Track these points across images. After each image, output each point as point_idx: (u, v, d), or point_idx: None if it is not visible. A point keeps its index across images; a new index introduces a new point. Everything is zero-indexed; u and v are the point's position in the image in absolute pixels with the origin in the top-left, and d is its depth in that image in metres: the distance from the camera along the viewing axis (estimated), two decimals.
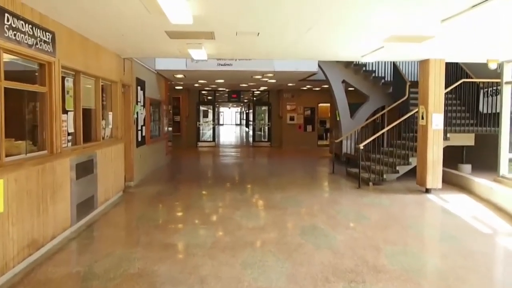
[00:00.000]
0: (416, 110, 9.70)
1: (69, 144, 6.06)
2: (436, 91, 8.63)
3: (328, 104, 22.66)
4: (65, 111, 5.90)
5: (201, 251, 4.97)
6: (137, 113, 9.71)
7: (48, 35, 5.06)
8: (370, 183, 9.64)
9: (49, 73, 5.18)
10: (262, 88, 19.79)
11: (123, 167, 8.53)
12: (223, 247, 5.13)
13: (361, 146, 9.58)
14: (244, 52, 8.06)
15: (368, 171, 9.87)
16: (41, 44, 4.86)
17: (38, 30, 4.80)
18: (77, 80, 6.28)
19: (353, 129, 13.26)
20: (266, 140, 21.86)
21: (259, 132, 22.95)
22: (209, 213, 7.01)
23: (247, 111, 42.23)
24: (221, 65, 12.22)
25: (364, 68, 13.02)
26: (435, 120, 8.62)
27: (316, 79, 14.92)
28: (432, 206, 7.82)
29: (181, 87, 19.00)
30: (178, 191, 8.91)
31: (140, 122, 10.20)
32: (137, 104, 9.80)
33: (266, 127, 22.01)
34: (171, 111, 15.80)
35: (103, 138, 7.64)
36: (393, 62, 12.84)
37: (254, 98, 22.41)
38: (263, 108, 22.62)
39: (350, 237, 5.57)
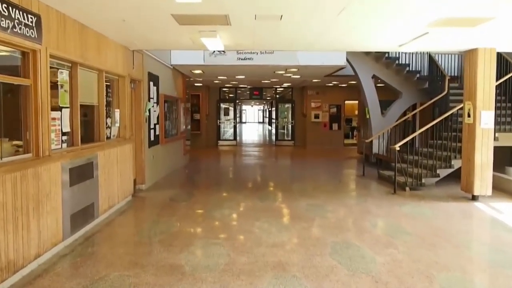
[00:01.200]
0: (460, 106, 8.61)
1: (64, 145, 5.29)
2: (485, 86, 7.52)
3: (355, 101, 21.58)
4: (57, 108, 5.13)
5: (211, 276, 4.10)
6: (149, 110, 8.93)
7: (32, 18, 4.27)
8: (407, 188, 8.59)
9: (33, 63, 4.40)
10: (285, 85, 18.85)
11: (132, 170, 7.75)
12: (238, 270, 4.25)
13: (397, 147, 8.53)
14: (265, 42, 7.14)
15: (404, 175, 8.82)
16: (20, 28, 4.07)
17: (17, 11, 4.01)
18: (74, 72, 5.50)
19: (384, 127, 12.21)
20: (289, 138, 20.90)
21: (282, 131, 22.01)
22: (225, 225, 6.14)
23: (269, 109, 41.39)
24: (241, 59, 11.33)
25: (397, 62, 11.91)
26: (485, 118, 7.52)
27: (342, 74, 13.85)
28: (483, 218, 6.76)
29: (200, 84, 18.25)
30: (192, 197, 8.08)
31: (153, 121, 9.42)
32: (149, 101, 9.02)
33: (290, 125, 21.04)
34: (189, 109, 15.03)
35: (108, 138, 6.88)
36: (430, 55, 11.70)
37: (277, 96, 21.47)
38: (286, 105, 21.67)
39: (392, 259, 4.59)
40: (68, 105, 5.39)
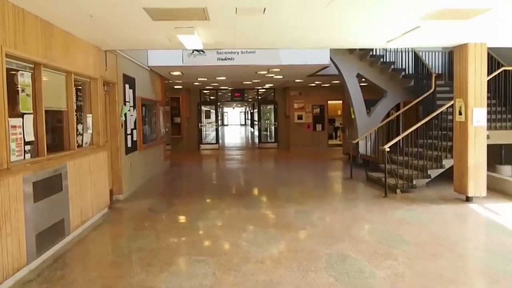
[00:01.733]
0: (450, 104, 8.33)
1: (28, 156, 4.75)
2: (477, 82, 7.24)
3: (339, 101, 21.36)
4: (18, 114, 4.59)
5: None
6: (125, 115, 8.39)
7: None
8: (398, 191, 8.26)
9: None
10: (267, 86, 18.45)
11: (107, 179, 7.21)
12: None
13: (387, 147, 8.18)
14: (247, 40, 6.69)
15: (394, 176, 8.48)
16: None
17: None
18: (37, 74, 4.96)
19: (370, 127, 11.90)
20: (272, 141, 20.50)
21: (265, 133, 21.60)
22: (209, 237, 5.66)
23: (251, 111, 40.96)
24: (222, 59, 10.88)
25: (381, 60, 11.62)
26: (477, 116, 7.24)
27: (326, 74, 13.54)
28: (481, 221, 6.45)
29: (180, 86, 17.69)
30: (173, 206, 7.58)
31: (130, 125, 8.88)
32: (125, 104, 8.48)
33: (273, 127, 20.65)
34: (169, 112, 14.48)
35: (80, 145, 6.33)
36: (415, 53, 11.44)
37: (259, 97, 21.05)
38: (269, 107, 21.28)
39: (393, 272, 4.20)
40: (31, 111, 4.85)
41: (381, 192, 8.36)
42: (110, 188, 7.83)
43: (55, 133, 5.95)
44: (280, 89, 19.79)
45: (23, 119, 4.64)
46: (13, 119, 4.44)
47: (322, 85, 18.09)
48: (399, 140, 8.88)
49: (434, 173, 8.50)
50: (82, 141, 6.50)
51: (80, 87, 6.51)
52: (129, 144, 8.75)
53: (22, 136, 4.61)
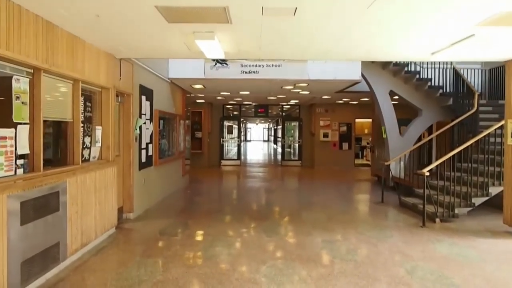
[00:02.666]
0: (498, 125, 7.46)
1: (20, 171, 4.18)
2: None
3: (367, 120, 20.56)
4: (11, 124, 4.03)
5: None
6: (140, 128, 7.84)
7: None
8: (437, 220, 7.38)
9: None
10: (292, 102, 17.78)
11: (115, 197, 6.60)
12: None
13: (426, 171, 7.32)
14: (274, 49, 6.04)
15: (432, 203, 7.60)
16: None
17: None
18: (36, 80, 4.43)
19: (402, 148, 11.05)
20: (296, 158, 19.73)
21: (288, 149, 20.85)
22: (223, 270, 4.94)
23: (275, 127, 40.30)
24: (246, 72, 10.28)
25: (417, 76, 10.80)
26: None
27: (355, 91, 12.80)
28: None
29: (202, 100, 17.22)
30: (187, 229, 6.90)
31: (145, 139, 8.32)
32: (140, 117, 7.94)
33: (297, 145, 19.90)
34: (189, 126, 13.96)
35: (87, 160, 5.77)
36: (454, 70, 10.59)
37: (283, 113, 20.39)
38: (293, 124, 20.56)
39: None
40: (27, 121, 4.29)
41: (417, 221, 7.51)
42: (119, 206, 7.26)
43: (58, 147, 5.41)
44: (306, 105, 19.10)
45: (15, 129, 4.08)
46: (3, 129, 3.88)
47: (350, 102, 17.32)
48: (440, 164, 8.01)
49: (478, 201, 7.60)
50: (89, 155, 5.93)
51: (89, 97, 5.98)
52: (144, 159, 8.18)
53: (13, 148, 4.04)
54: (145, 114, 8.24)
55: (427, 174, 7.26)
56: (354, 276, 4.67)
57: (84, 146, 5.75)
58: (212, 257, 5.33)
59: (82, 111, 5.65)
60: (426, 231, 6.84)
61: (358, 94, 14.18)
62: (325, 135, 18.32)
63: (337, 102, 17.27)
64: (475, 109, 9.24)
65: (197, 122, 18.13)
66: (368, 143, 21.71)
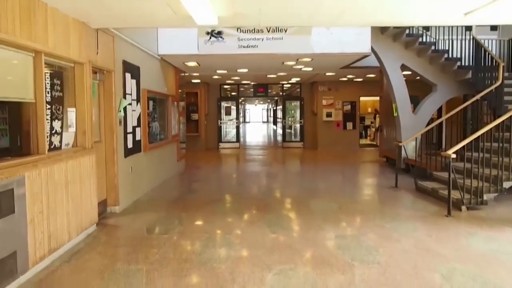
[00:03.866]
0: None
1: None
2: None
3: (371, 98, 19.63)
4: None
5: None
6: (124, 109, 6.90)
7: None
8: (463, 207, 6.52)
9: None
10: (293, 80, 16.78)
11: (95, 190, 5.70)
12: None
13: (451, 153, 6.40)
14: (276, 13, 5.07)
15: (458, 189, 6.71)
16: None
17: None
18: None
19: (415, 127, 10.16)
20: (298, 140, 18.82)
21: (289, 130, 19.91)
22: (219, 280, 4.07)
23: (274, 108, 39.25)
24: (243, 47, 9.27)
25: (433, 48, 9.80)
26: None
27: (361, 66, 11.83)
28: None
29: (198, 80, 16.21)
30: (180, 224, 6.03)
31: (132, 122, 7.39)
32: (125, 97, 6.99)
33: (298, 125, 18.95)
34: (184, 108, 13.00)
35: (55, 148, 4.85)
36: (475, 40, 9.58)
37: (283, 93, 19.38)
38: (294, 103, 19.58)
39: None
40: None
41: (440, 208, 6.67)
42: (103, 198, 6.38)
43: (19, 134, 4.48)
44: (307, 84, 18.10)
45: None
46: None
47: (355, 79, 16.34)
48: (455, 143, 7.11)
49: (507, 185, 6.73)
50: (60, 142, 5.02)
51: (59, 73, 5.02)
52: (130, 145, 7.26)
53: None
54: (130, 94, 7.29)
55: (453, 156, 6.34)
56: (380, 285, 3.81)
57: (54, 132, 4.83)
58: (207, 262, 4.46)
59: (49, 90, 4.71)
60: (453, 221, 5.98)
61: (365, 70, 13.19)
62: (328, 115, 17.37)
63: (340, 79, 16.29)
64: (500, 81, 8.29)
65: (193, 104, 17.16)
66: (372, 122, 20.82)
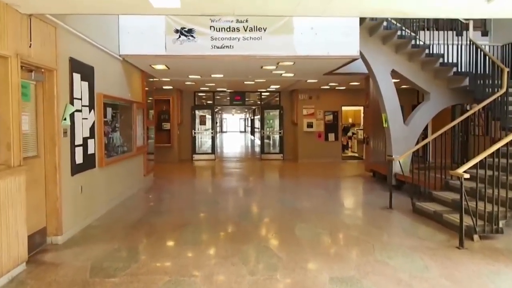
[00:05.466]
0: None
1: None
2: None
3: (352, 107, 18.87)
4: None
5: None
6: (71, 117, 5.68)
7: None
8: (475, 236, 5.52)
9: None
10: (272, 87, 15.75)
11: (23, 219, 4.45)
12: None
13: (462, 172, 5.38)
14: None
15: (467, 213, 5.70)
16: None
17: None
18: None
19: (407, 139, 9.27)
20: (277, 151, 17.72)
21: (268, 141, 18.81)
22: None
23: (251, 117, 38.17)
24: (218, 47, 8.19)
25: (427, 52, 8.92)
26: None
27: (345, 72, 10.87)
28: None
29: (170, 87, 15.02)
30: (134, 261, 4.81)
31: (82, 133, 6.16)
32: (72, 103, 5.77)
33: (277, 136, 17.90)
34: (153, 116, 11.78)
35: None
36: (473, 44, 8.72)
37: (261, 102, 18.33)
38: (273, 112, 18.51)
39: None
40: None
41: (447, 237, 5.69)
42: (41, 227, 5.14)
43: None
44: (287, 92, 17.12)
45: None
46: None
47: (337, 87, 15.44)
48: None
49: None
50: None
51: None
52: (79, 160, 6.01)
53: None
54: (80, 99, 6.07)
55: (466, 176, 5.33)
56: None
57: None
58: None
59: None
60: (467, 254, 4.97)
61: (349, 77, 12.28)
62: (309, 125, 16.39)
63: (322, 87, 15.36)
64: (504, 89, 7.41)
65: (165, 112, 15.91)
66: (353, 133, 19.98)
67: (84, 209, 6.23)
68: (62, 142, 5.48)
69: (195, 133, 17.39)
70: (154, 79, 11.78)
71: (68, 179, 5.68)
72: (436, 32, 9.28)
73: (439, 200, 7.03)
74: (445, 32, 9.21)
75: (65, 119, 5.54)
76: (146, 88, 10.67)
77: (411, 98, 13.20)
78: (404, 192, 8.79)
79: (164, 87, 14.91)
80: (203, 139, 19.89)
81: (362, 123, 19.17)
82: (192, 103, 17.26)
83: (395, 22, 8.87)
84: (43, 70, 5.09)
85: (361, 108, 18.58)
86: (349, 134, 19.96)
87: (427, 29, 9.43)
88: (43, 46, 4.97)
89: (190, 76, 11.82)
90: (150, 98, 11.54)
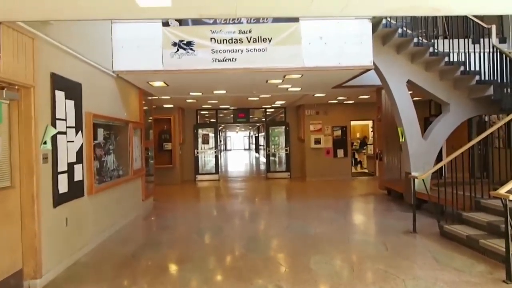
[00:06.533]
0: None
1: None
2: None
3: (363, 122, 18.18)
4: None
5: None
6: (50, 141, 4.97)
7: None
8: None
9: None
10: (277, 103, 15.07)
11: None
12: None
13: (505, 192, 4.62)
14: None
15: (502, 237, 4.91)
16: None
17: None
18: None
19: (426, 154, 8.56)
20: (283, 169, 16.95)
21: (273, 158, 18.04)
22: None
23: (256, 135, 37.47)
24: (219, 60, 7.55)
25: (447, 60, 8.21)
26: None
27: (355, 85, 10.18)
28: None
29: (171, 105, 14.38)
30: None
31: (68, 158, 5.45)
32: (54, 124, 5.08)
33: (283, 153, 17.14)
34: (151, 136, 11.08)
35: None
36: (498, 50, 8.01)
37: (266, 118, 17.65)
38: (278, 129, 17.80)
39: None
40: None
41: (487, 267, 4.91)
42: (17, 269, 4.40)
43: None
44: (292, 107, 16.45)
45: None
46: None
47: (345, 101, 14.74)
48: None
49: None
50: None
51: None
52: (63, 189, 5.29)
53: None
54: (65, 120, 5.38)
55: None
56: None
57: None
58: None
59: None
60: None
61: (358, 90, 11.58)
62: (317, 141, 15.64)
63: (329, 101, 14.66)
64: None
65: (166, 131, 15.22)
66: (364, 149, 19.22)
67: (70, 245, 5.48)
68: (42, 169, 4.77)
69: (197, 152, 16.69)
70: (153, 97, 11.13)
71: (49, 212, 4.95)
72: (450, 41, 8.58)
73: (471, 223, 6.24)
74: (459, 39, 8.49)
75: (45, 143, 4.84)
76: (145, 107, 10.02)
77: (423, 110, 12.48)
78: (424, 212, 8.03)
79: (165, 106, 14.27)
80: (206, 158, 19.16)
81: (370, 138, 18.48)
82: (194, 122, 16.61)
83: (410, 31, 8.22)
84: (17, 87, 4.41)
85: (369, 122, 17.95)
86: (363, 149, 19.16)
87: (438, 37, 8.74)
88: (17, 59, 4.31)
89: (191, 93, 11.16)
90: (150, 118, 10.89)
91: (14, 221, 4.48)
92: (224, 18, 6.80)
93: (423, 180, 6.94)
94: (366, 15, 6.63)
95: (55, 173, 5.08)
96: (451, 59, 8.18)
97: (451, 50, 8.25)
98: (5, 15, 3.82)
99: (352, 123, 16.76)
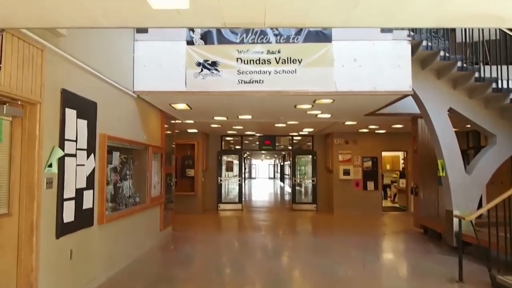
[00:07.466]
0: None
1: None
2: None
3: (395, 152, 17.32)
4: None
5: None
6: (55, 164, 4.49)
7: None
8: None
9: None
10: (305, 130, 14.47)
11: None
12: None
13: None
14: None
15: None
16: None
17: None
18: None
19: (470, 190, 7.74)
20: (310, 201, 16.13)
21: (299, 188, 17.28)
22: None
23: (281, 163, 36.78)
24: (245, 82, 7.08)
25: (494, 86, 7.50)
26: None
27: (388, 113, 9.51)
28: None
29: (195, 130, 13.97)
30: None
31: (76, 183, 4.96)
32: (62, 145, 4.62)
33: (310, 184, 16.38)
34: (172, 162, 10.60)
35: None
36: None
37: (293, 147, 17.03)
38: (305, 158, 17.12)
39: None
40: None
41: None
42: None
43: None
44: (320, 136, 15.78)
45: None
46: None
47: (376, 131, 14.00)
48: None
49: None
50: None
51: None
52: (69, 217, 4.77)
53: None
54: (75, 141, 4.92)
55: None
56: None
57: None
58: None
59: None
60: None
61: (392, 118, 10.84)
62: (346, 172, 14.84)
63: (359, 130, 13.94)
64: None
65: (189, 157, 14.77)
66: (392, 182, 18.28)
67: (74, 280, 4.93)
68: (44, 195, 4.28)
69: (221, 180, 16.12)
70: (177, 121, 10.72)
71: (51, 243, 4.43)
72: (498, 66, 7.88)
73: None
74: (501, 65, 7.78)
75: (50, 166, 4.37)
76: (168, 132, 9.61)
77: (460, 142, 11.59)
78: (468, 256, 7.11)
79: (189, 130, 13.87)
80: (230, 186, 18.60)
81: (402, 170, 17.54)
82: (218, 148, 16.13)
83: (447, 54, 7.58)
84: (19, 102, 3.97)
85: (400, 153, 17.08)
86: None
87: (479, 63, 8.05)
88: (22, 71, 3.89)
89: (215, 118, 10.69)
90: (174, 144, 10.46)
91: (9, 253, 3.96)
92: (251, 27, 6.30)
93: (471, 221, 6.12)
94: (416, 26, 6.03)
95: (60, 200, 4.58)
96: (499, 86, 7.45)
97: (498, 77, 7.55)
98: (4, 21, 3.40)
99: (390, 154, 15.94)
